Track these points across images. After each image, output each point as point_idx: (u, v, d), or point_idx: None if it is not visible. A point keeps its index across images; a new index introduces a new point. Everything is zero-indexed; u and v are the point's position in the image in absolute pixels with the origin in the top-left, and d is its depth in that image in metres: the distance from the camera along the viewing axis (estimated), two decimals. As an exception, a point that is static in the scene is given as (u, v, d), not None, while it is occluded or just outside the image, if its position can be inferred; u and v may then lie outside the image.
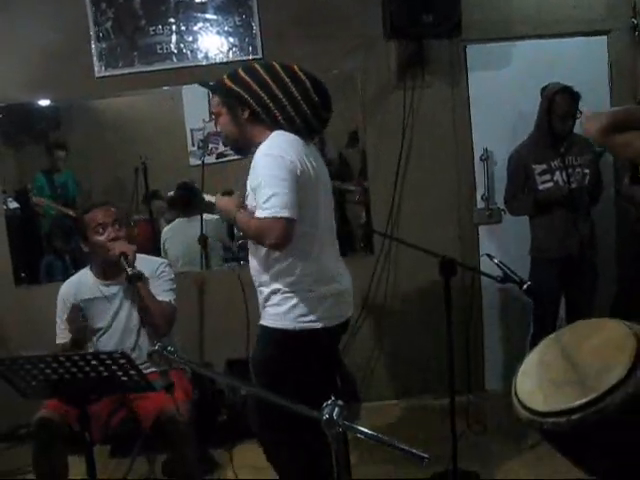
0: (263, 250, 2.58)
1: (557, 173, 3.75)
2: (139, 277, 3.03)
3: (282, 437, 2.70)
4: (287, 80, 2.55)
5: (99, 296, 3.16)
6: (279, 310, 2.60)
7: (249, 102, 2.56)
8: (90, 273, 3.24)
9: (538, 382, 2.07)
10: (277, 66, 2.60)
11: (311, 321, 2.58)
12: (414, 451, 1.42)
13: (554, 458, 3.37)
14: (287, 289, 2.59)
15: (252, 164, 2.49)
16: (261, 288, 2.67)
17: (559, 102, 3.67)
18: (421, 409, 4.20)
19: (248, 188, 2.54)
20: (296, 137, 2.57)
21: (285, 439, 2.70)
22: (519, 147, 3.89)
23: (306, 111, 2.57)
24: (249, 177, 2.52)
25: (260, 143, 2.53)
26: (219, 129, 2.73)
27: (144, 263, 3.18)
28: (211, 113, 2.79)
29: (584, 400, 1.82)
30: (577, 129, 3.71)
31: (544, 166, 3.77)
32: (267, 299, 2.64)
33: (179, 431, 2.85)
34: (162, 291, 3.17)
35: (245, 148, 2.69)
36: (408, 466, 3.24)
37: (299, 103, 2.55)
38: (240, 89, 2.57)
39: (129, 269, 2.98)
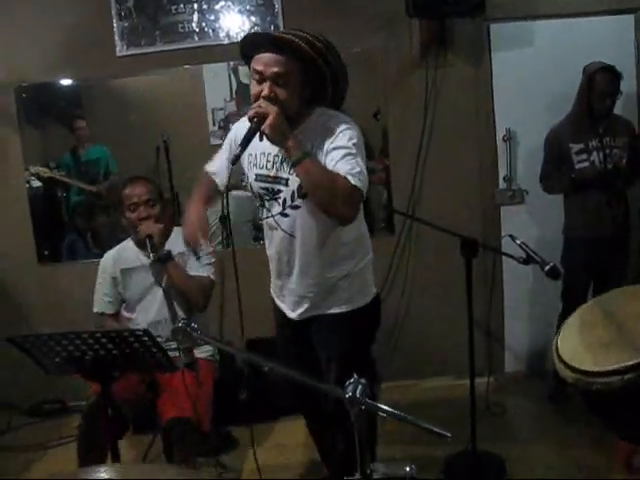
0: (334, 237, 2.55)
1: (594, 153, 3.71)
2: (165, 259, 3.05)
3: None
4: (327, 52, 2.40)
5: (138, 265, 3.19)
6: (354, 292, 2.63)
7: (326, 76, 2.41)
8: (131, 243, 3.28)
9: (583, 343, 2.08)
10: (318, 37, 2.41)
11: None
12: (437, 429, 1.42)
13: (573, 440, 3.42)
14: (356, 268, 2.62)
15: (321, 134, 2.40)
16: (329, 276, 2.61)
17: (599, 81, 3.63)
18: (440, 390, 4.20)
19: (322, 152, 2.40)
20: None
21: None
22: (556, 125, 3.85)
23: (341, 84, 2.50)
24: (323, 137, 2.40)
25: (300, 122, 2.45)
26: (278, 97, 2.36)
27: (179, 237, 3.19)
28: (262, 72, 2.37)
29: (637, 360, 1.82)
30: (618, 109, 3.66)
31: (581, 145, 3.73)
32: (336, 285, 2.61)
33: (187, 439, 2.85)
34: (200, 266, 3.20)
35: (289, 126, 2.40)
36: (425, 446, 3.27)
37: (338, 77, 2.47)
38: (320, 58, 2.37)
39: (152, 254, 3.01)
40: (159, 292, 3.15)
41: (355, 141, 2.39)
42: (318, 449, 3.12)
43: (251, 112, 2.34)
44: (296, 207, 2.52)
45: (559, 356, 2.09)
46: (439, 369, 4.35)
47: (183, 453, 2.84)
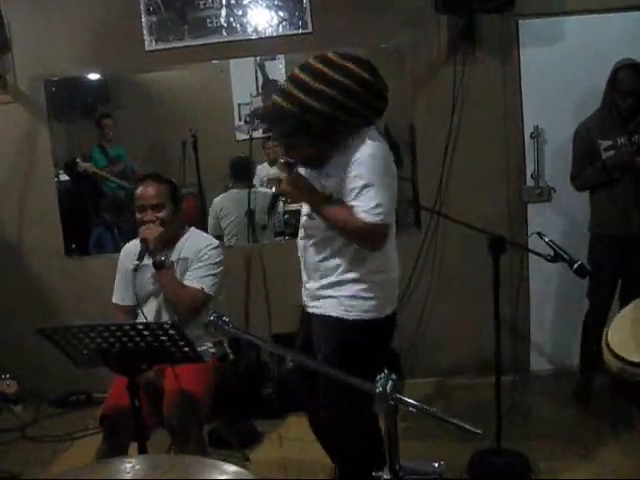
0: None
1: (623, 150, 3.66)
2: (157, 266, 3.00)
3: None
4: (344, 78, 2.40)
5: (147, 264, 3.06)
6: (359, 301, 2.56)
7: (317, 120, 2.41)
8: None
9: (633, 335, 2.10)
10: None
11: (385, 306, 2.60)
12: (468, 426, 1.42)
13: (598, 440, 3.39)
14: (365, 278, 2.55)
15: (353, 158, 2.41)
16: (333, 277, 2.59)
17: (621, 78, 3.59)
18: (465, 387, 4.18)
19: (336, 179, 2.46)
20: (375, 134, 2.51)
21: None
22: (585, 121, 3.80)
23: (371, 99, 2.47)
24: (345, 167, 2.42)
25: (335, 154, 2.49)
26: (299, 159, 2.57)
27: (191, 240, 3.16)
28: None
29: None
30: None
31: (610, 142, 3.68)
32: (340, 287, 2.58)
33: (185, 422, 2.82)
34: (197, 277, 3.06)
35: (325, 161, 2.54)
36: (447, 443, 3.26)
37: (360, 95, 2.43)
38: (298, 108, 2.41)
39: (136, 262, 2.95)
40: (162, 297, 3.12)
41: (371, 163, 2.39)
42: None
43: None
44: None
45: (607, 344, 2.11)
46: (464, 366, 4.33)
47: (181, 421, 2.80)
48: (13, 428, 4.03)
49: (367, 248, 2.47)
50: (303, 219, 2.70)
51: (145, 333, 2.43)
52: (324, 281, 2.60)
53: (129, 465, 1.80)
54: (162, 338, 2.45)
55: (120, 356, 2.44)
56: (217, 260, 3.11)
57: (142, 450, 2.49)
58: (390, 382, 1.47)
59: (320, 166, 2.52)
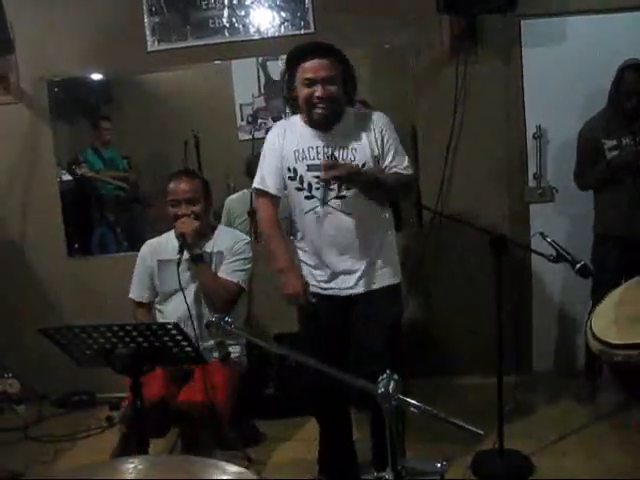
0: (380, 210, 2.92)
1: (627, 150, 3.65)
2: (195, 260, 3.06)
3: None
4: None
5: (175, 259, 3.07)
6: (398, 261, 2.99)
7: (354, 76, 2.85)
8: (173, 235, 3.20)
9: (614, 318, 2.12)
10: None
11: None
12: (469, 427, 1.42)
13: (602, 440, 3.39)
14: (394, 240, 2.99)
15: (378, 125, 2.84)
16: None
17: (625, 78, 3.59)
18: (467, 387, 4.17)
19: (363, 145, 2.82)
20: None
21: None
22: (590, 121, 3.80)
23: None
24: (356, 135, 2.82)
25: (342, 116, 2.85)
26: (331, 95, 2.74)
27: (223, 235, 3.23)
28: (314, 78, 2.76)
29: None
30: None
31: (614, 142, 3.68)
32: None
33: (197, 421, 2.88)
34: (232, 270, 3.15)
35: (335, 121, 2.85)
36: (449, 443, 3.25)
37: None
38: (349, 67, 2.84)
39: (178, 255, 3.02)
40: (192, 289, 3.16)
41: (393, 128, 2.88)
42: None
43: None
44: (349, 188, 2.80)
45: (590, 327, 2.13)
46: (466, 367, 4.32)
47: (193, 435, 2.86)
48: (16, 428, 4.03)
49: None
50: (329, 203, 2.82)
51: (147, 333, 2.44)
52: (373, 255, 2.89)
53: (131, 465, 1.79)
54: (165, 339, 2.46)
55: (123, 357, 2.45)
56: (249, 255, 3.23)
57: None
58: (392, 383, 1.47)
59: (329, 128, 2.82)
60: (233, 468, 1.73)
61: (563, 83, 4.10)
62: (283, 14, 4.19)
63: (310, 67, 2.72)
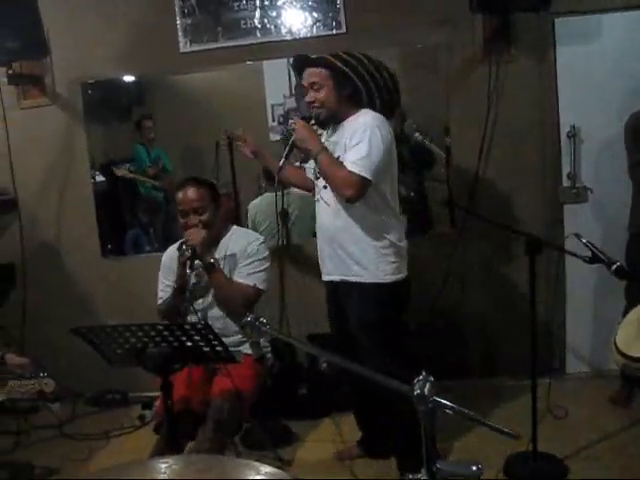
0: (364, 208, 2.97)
1: None
2: (207, 269, 3.03)
3: None
4: (374, 70, 3.01)
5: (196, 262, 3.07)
6: (385, 266, 3.02)
7: (355, 81, 2.97)
8: None
9: (637, 332, 2.11)
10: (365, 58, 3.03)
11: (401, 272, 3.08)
12: (505, 429, 1.40)
13: (636, 444, 3.33)
14: (385, 244, 3.02)
15: (352, 128, 2.94)
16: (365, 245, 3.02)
17: None
18: (501, 389, 4.14)
19: (341, 145, 2.98)
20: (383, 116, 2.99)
21: None
22: (636, 112, 3.68)
23: (386, 96, 3.04)
24: (345, 137, 2.96)
25: (347, 119, 3.02)
26: (317, 100, 3.03)
27: (237, 237, 3.21)
28: (306, 85, 3.07)
29: None
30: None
31: None
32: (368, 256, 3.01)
33: (230, 418, 2.88)
34: (247, 274, 3.11)
35: (335, 122, 3.08)
36: (481, 445, 3.24)
37: (382, 89, 3.02)
38: (348, 69, 2.96)
39: (188, 270, 3.00)
40: (211, 293, 3.15)
41: (365, 134, 2.87)
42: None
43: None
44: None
45: (614, 341, 2.13)
46: (499, 368, 4.29)
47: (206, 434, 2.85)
48: (51, 425, 4.09)
49: (346, 196, 2.89)
50: (320, 193, 3.09)
51: (179, 333, 2.46)
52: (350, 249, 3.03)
53: (164, 465, 1.80)
54: (195, 338, 2.48)
55: (154, 356, 2.47)
56: (265, 255, 3.19)
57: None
58: (428, 384, 1.46)
59: (327, 124, 3.11)
60: (267, 468, 1.74)
61: (598, 81, 4.05)
62: (315, 14, 4.19)
63: (304, 76, 3.07)
